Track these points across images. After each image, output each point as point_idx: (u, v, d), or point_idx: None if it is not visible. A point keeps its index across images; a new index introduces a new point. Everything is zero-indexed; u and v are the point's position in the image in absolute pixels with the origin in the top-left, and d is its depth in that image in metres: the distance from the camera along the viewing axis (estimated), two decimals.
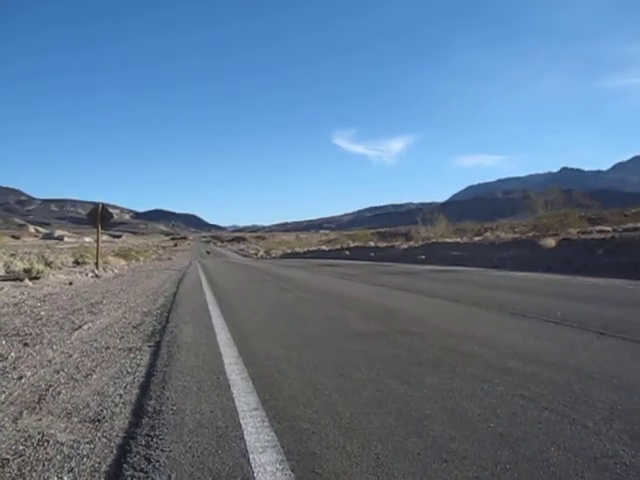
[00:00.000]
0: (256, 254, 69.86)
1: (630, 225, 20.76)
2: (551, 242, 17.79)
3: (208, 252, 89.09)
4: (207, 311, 7.52)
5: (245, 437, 2.57)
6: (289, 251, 51.78)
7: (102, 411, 3.08)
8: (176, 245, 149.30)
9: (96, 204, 20.81)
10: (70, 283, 13.26)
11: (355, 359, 4.10)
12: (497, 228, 34.11)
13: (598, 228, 21.47)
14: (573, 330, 5.14)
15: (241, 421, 2.79)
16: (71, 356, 4.62)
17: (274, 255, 48.94)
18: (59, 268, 18.46)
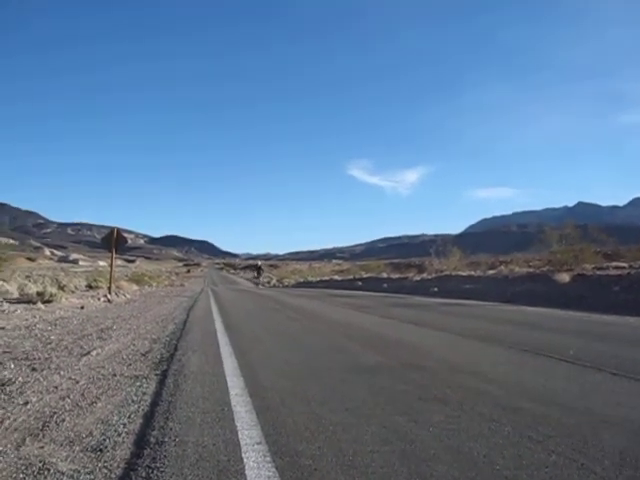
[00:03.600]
0: (268, 282, 69.91)
1: None
2: (565, 277, 17.58)
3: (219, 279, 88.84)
4: (216, 339, 7.50)
5: (246, 472, 2.54)
6: (302, 280, 51.68)
7: (105, 440, 3.07)
8: (189, 271, 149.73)
9: (111, 228, 21.04)
10: (82, 307, 13.34)
11: (362, 393, 4.05)
12: (511, 262, 33.81)
13: (614, 264, 21.21)
14: (585, 370, 5.05)
15: (243, 455, 2.76)
16: (78, 382, 4.63)
17: (287, 284, 48.90)
18: (72, 292, 18.60)
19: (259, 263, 46.88)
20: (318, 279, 48.26)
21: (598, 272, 18.21)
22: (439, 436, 3.03)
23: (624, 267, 19.37)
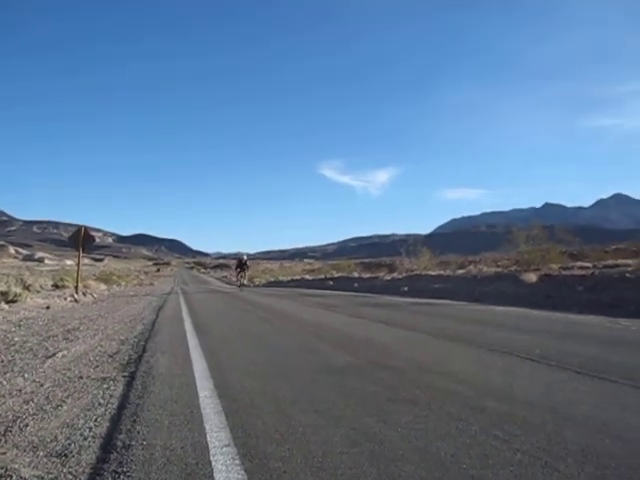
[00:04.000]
0: (248, 283, 69.44)
1: (610, 262, 21.01)
2: (532, 277, 17.92)
3: (189, 279, 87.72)
4: (185, 340, 7.43)
5: (214, 475, 2.53)
6: (273, 279, 51.45)
7: (70, 445, 3.01)
8: (159, 270, 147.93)
9: (78, 227, 20.63)
10: (48, 307, 13.05)
11: (332, 394, 4.06)
12: (480, 261, 34.31)
13: (579, 264, 21.68)
14: (551, 368, 5.15)
15: (211, 458, 2.74)
16: (42, 385, 4.53)
17: (257, 283, 48.62)
18: (37, 291, 18.19)
19: (244, 258, 30.94)
20: (289, 278, 48.19)
21: (564, 272, 18.61)
22: (407, 436, 3.06)
23: (588, 267, 19.84)
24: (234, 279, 36.18)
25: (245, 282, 29.25)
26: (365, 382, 4.49)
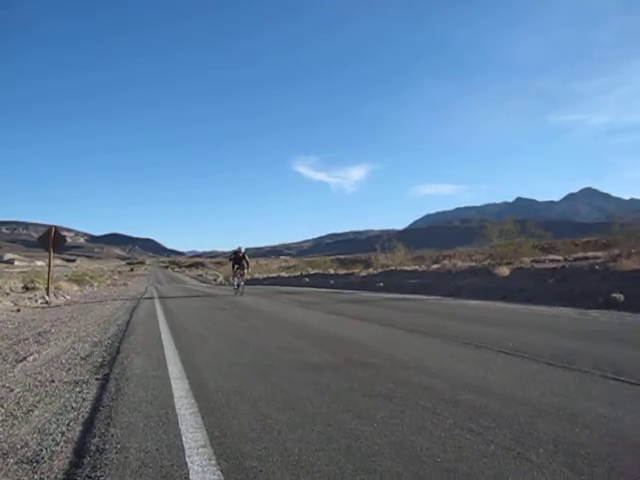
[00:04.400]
0: (215, 280, 68.96)
1: (580, 254, 21.50)
2: (505, 271, 18.22)
3: (164, 278, 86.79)
4: (160, 340, 7.35)
5: (190, 476, 2.51)
6: (248, 277, 51.27)
7: (41, 450, 2.96)
8: (132, 270, 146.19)
9: (48, 227, 20.24)
10: (18, 310, 12.79)
11: (308, 392, 4.07)
12: (455, 256, 34.68)
13: (550, 257, 22.13)
14: (523, 360, 5.25)
15: (187, 459, 2.72)
16: (12, 390, 4.43)
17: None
18: (7, 294, 17.81)
19: (242, 251, 21.72)
20: (265, 276, 48.07)
21: (536, 265, 18.97)
22: (383, 431, 3.08)
23: (559, 260, 20.25)
24: (231, 279, 27.04)
25: (242, 284, 20.98)
26: (341, 379, 4.51)
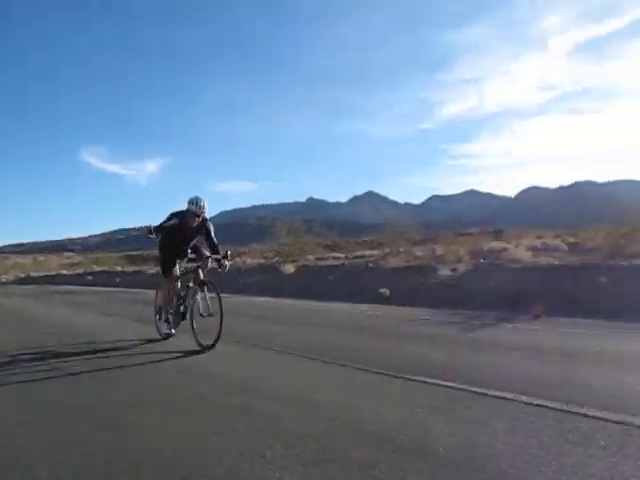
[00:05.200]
0: None
1: (359, 253, 23.41)
2: (291, 268, 18.93)
3: None
4: None
5: None
6: (23, 276, 45.76)
7: None
8: None
9: None
10: None
11: None
12: (249, 252, 35.25)
13: (333, 255, 23.67)
14: (284, 355, 5.48)
15: None
16: None
17: (4, 280, 42.78)
18: None
19: (202, 209, 6.71)
20: (43, 274, 43.40)
21: (319, 263, 20.08)
22: None
23: (341, 258, 21.77)
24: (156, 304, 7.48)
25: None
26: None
